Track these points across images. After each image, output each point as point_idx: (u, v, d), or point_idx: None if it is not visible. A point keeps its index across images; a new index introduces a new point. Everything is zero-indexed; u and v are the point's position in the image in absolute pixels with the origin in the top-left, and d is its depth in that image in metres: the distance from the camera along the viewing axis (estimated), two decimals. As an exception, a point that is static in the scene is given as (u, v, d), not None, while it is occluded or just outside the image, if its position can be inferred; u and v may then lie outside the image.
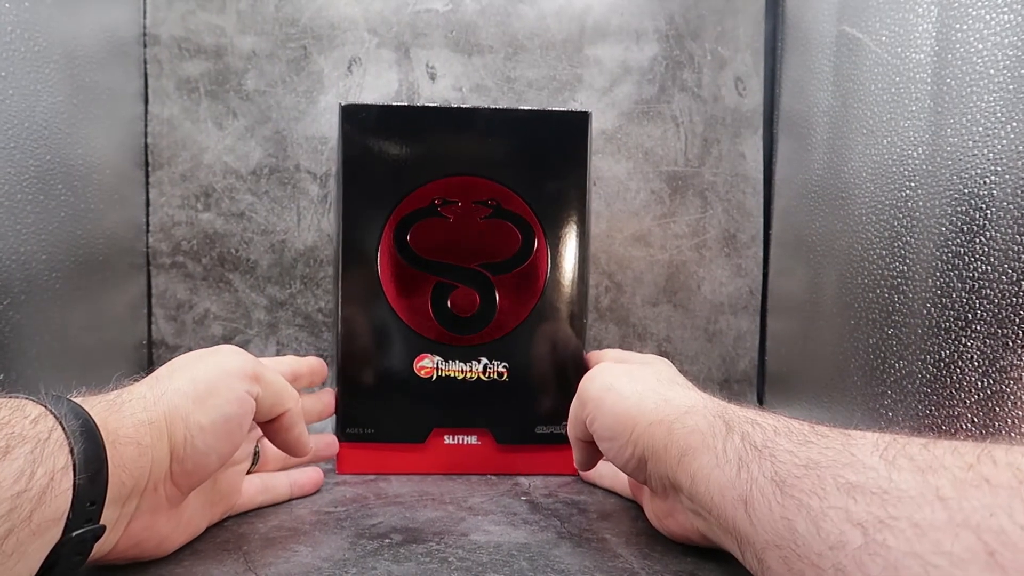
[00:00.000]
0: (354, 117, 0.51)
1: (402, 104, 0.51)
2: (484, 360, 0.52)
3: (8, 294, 0.48)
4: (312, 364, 0.49)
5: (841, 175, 0.56)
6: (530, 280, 0.52)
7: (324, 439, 0.51)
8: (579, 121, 0.52)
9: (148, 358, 0.66)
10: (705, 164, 0.71)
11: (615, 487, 0.49)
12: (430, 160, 0.51)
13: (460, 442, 0.52)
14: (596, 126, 0.69)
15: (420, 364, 0.52)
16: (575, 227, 0.52)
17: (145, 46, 0.65)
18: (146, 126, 0.66)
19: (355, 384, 0.52)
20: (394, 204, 0.51)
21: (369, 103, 0.50)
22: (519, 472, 0.53)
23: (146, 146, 0.66)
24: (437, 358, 0.52)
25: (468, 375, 0.52)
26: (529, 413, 0.52)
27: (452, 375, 0.52)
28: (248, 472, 0.45)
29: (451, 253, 0.52)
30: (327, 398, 0.52)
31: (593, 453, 0.44)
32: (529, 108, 0.50)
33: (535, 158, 0.52)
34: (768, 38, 0.70)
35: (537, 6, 0.69)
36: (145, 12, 0.66)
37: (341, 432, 0.52)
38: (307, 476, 0.48)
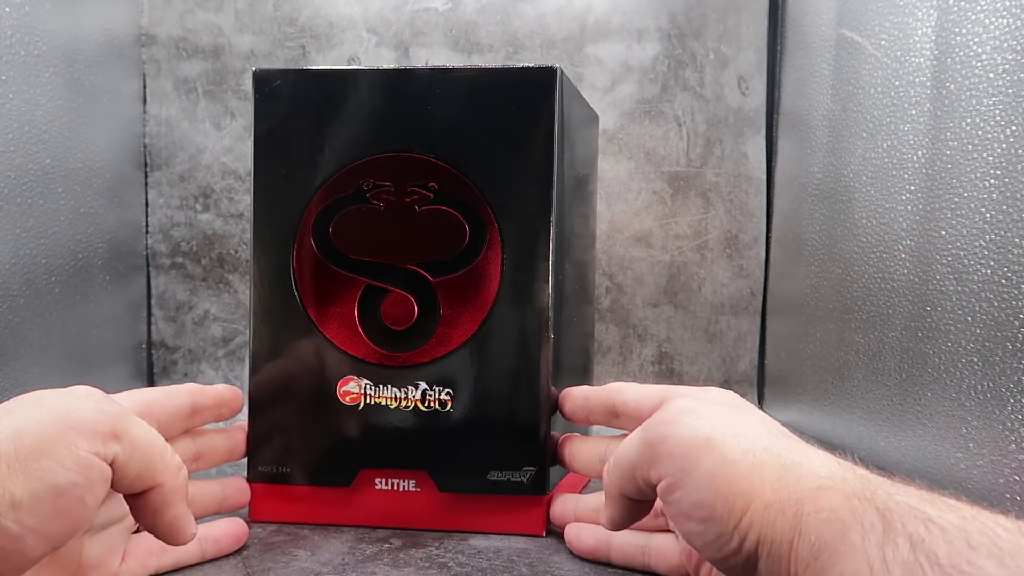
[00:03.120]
0: (268, 85, 0.42)
1: (324, 68, 0.41)
2: (423, 385, 0.41)
3: (7, 297, 0.48)
4: (220, 394, 0.39)
5: (841, 177, 0.56)
6: (480, 283, 0.41)
7: (233, 483, 0.41)
8: (542, 79, 0.41)
9: (148, 359, 0.66)
10: (707, 164, 0.70)
11: (638, 562, 0.37)
12: (357, 134, 0.41)
13: (395, 488, 0.42)
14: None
15: (345, 389, 0.41)
16: (538, 216, 0.41)
17: (143, 46, 0.65)
18: (144, 127, 0.66)
19: (266, 412, 0.42)
20: (313, 190, 0.41)
21: (286, 67, 0.43)
22: (467, 529, 0.41)
23: (144, 147, 0.66)
24: (365, 382, 0.41)
25: (404, 403, 0.41)
26: (479, 454, 0.41)
27: (384, 403, 0.41)
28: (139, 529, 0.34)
29: (382, 250, 0.41)
30: (239, 434, 0.42)
31: (638, 513, 0.33)
32: (479, 66, 0.44)
33: (486, 130, 0.41)
34: (769, 40, 0.70)
35: (537, 5, 0.69)
36: (143, 12, 0.65)
37: (252, 470, 0.42)
38: (223, 529, 0.38)
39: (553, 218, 0.41)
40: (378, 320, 0.42)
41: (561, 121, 0.42)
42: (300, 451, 0.42)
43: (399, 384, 0.41)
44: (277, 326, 0.42)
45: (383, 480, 0.42)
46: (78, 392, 0.29)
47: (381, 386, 0.41)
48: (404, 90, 0.42)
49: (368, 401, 0.41)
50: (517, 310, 0.41)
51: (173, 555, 0.36)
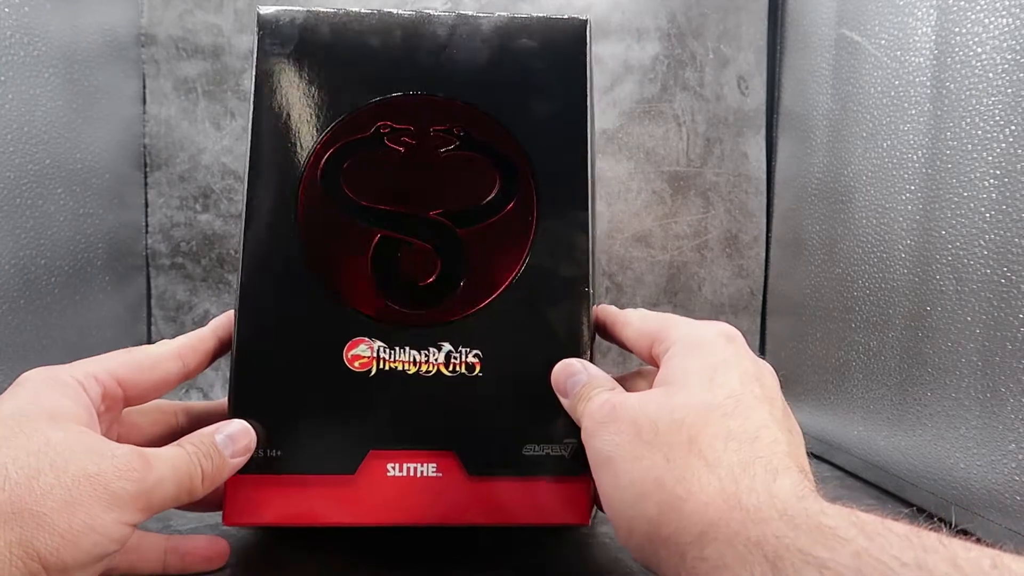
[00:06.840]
0: (274, 25, 0.38)
1: (340, 10, 0.38)
2: (447, 346, 0.36)
3: (7, 297, 0.48)
4: (213, 346, 0.37)
5: (841, 178, 0.56)
6: (512, 233, 0.37)
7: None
8: (573, 31, 0.39)
9: (148, 359, 0.66)
10: (707, 164, 0.70)
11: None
12: (373, 74, 0.38)
13: (411, 474, 0.35)
14: (597, 126, 0.69)
15: (354, 352, 0.36)
16: (575, 160, 0.38)
17: (142, 46, 0.65)
18: (144, 127, 0.66)
19: (255, 383, 0.35)
20: (322, 130, 0.37)
21: (296, 8, 0.39)
22: (498, 522, 0.35)
23: (144, 147, 0.66)
24: (378, 344, 0.36)
25: (424, 368, 0.36)
26: (513, 426, 0.36)
27: (401, 367, 0.36)
28: None
29: (401, 197, 0.37)
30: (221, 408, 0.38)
31: None
32: (507, 15, 0.40)
33: (515, 72, 0.39)
34: (769, 40, 0.70)
35: (537, 4, 0.69)
36: (143, 12, 0.65)
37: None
38: (194, 543, 0.35)
39: (590, 163, 0.38)
40: (395, 274, 0.37)
41: (590, 68, 0.40)
42: (296, 431, 0.35)
43: (419, 346, 0.36)
44: (273, 279, 0.36)
45: (396, 465, 0.35)
46: (114, 455, 0.28)
47: (397, 348, 0.36)
48: (427, 34, 0.39)
49: (381, 366, 0.35)
50: (553, 262, 0.37)
51: (127, 558, 0.33)
